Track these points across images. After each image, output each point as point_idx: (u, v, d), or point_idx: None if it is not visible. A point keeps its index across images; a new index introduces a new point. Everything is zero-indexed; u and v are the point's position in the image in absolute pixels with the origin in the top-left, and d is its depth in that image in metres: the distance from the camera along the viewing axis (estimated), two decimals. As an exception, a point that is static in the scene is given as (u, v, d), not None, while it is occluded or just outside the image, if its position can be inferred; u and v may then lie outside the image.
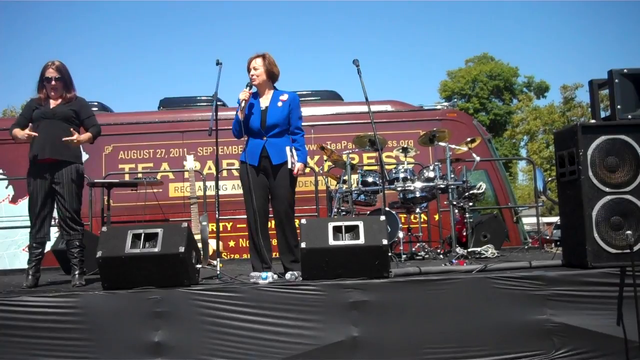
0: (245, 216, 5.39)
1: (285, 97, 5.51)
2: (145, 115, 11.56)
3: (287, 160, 5.34)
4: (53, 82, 5.39)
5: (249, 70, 5.51)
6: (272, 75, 5.53)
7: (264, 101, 5.50)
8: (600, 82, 5.07)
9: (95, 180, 8.20)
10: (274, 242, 5.62)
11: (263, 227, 5.39)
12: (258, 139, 5.41)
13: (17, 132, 5.33)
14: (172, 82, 68.70)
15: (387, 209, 7.07)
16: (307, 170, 5.51)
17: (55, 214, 5.48)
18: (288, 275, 5.03)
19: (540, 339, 4.39)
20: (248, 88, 5.44)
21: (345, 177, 7.56)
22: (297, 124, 5.57)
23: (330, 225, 4.72)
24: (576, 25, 64.70)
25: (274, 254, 5.59)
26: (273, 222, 5.51)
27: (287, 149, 5.37)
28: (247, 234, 5.45)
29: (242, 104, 5.36)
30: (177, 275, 4.57)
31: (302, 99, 11.40)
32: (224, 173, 10.67)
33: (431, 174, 7.41)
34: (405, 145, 7.95)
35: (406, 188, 7.34)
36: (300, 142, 5.53)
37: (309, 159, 10.31)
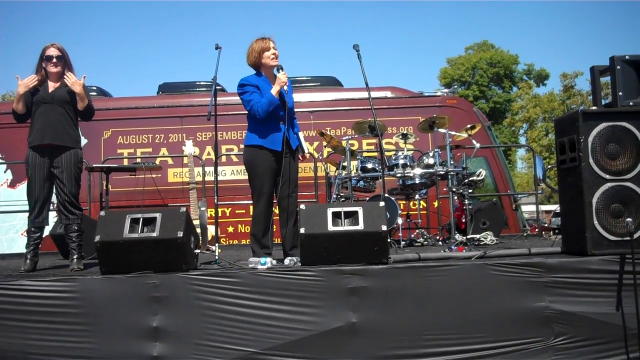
0: (245, 202, 5.37)
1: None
2: (144, 100, 11.55)
3: (300, 145, 5.34)
4: (54, 60, 5.34)
5: (264, 50, 5.37)
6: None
7: (276, 86, 5.35)
8: (602, 68, 5.04)
9: (94, 165, 8.18)
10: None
11: (271, 213, 5.38)
12: (279, 124, 5.33)
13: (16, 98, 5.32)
14: (171, 67, 68.58)
15: (386, 195, 7.06)
16: (307, 155, 5.50)
17: (54, 198, 5.47)
18: (287, 261, 5.02)
19: (539, 326, 4.38)
20: (282, 70, 5.33)
21: (345, 163, 7.55)
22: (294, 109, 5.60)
23: (330, 210, 4.70)
24: (576, 13, 64.56)
25: (275, 239, 5.59)
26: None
27: (301, 134, 5.39)
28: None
29: (285, 87, 5.28)
30: (176, 260, 4.56)
31: (302, 84, 11.47)
32: (223, 158, 10.66)
33: (431, 161, 7.40)
34: (405, 132, 7.94)
35: (405, 174, 7.32)
36: (298, 128, 5.57)
37: (308, 145, 10.31)
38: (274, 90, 5.24)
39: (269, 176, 5.29)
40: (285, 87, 5.36)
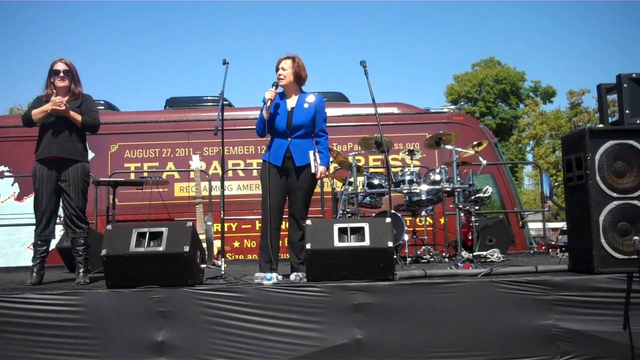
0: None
1: (311, 98, 5.51)
2: (152, 115, 11.59)
3: (309, 163, 5.34)
4: (62, 74, 5.38)
5: (277, 70, 5.49)
6: (299, 78, 5.52)
7: (290, 102, 5.49)
8: (609, 86, 5.05)
9: (101, 179, 8.20)
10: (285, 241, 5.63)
11: (277, 228, 5.39)
12: (282, 140, 5.41)
13: (41, 108, 5.30)
14: (179, 81, 68.88)
15: (392, 211, 7.05)
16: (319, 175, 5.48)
17: (60, 212, 5.48)
18: (292, 277, 5.02)
19: (545, 344, 4.36)
20: (274, 87, 5.41)
21: (351, 179, 7.55)
22: (322, 126, 5.56)
23: (336, 226, 4.70)
24: (583, 31, 64.63)
25: (282, 254, 5.58)
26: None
27: (311, 152, 5.38)
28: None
29: (268, 103, 5.33)
30: (181, 275, 4.56)
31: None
32: (230, 173, 10.67)
33: (437, 177, 7.39)
34: (412, 148, 7.95)
35: (412, 191, 7.32)
36: (324, 145, 5.54)
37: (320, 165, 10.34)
38: (264, 108, 5.36)
39: (271, 191, 5.33)
40: (290, 105, 5.46)
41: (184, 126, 11.13)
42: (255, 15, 71.77)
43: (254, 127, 5.61)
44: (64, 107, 5.23)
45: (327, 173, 5.65)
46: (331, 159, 7.96)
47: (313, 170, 5.35)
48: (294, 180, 5.39)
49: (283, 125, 5.38)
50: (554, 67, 66.86)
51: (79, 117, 5.35)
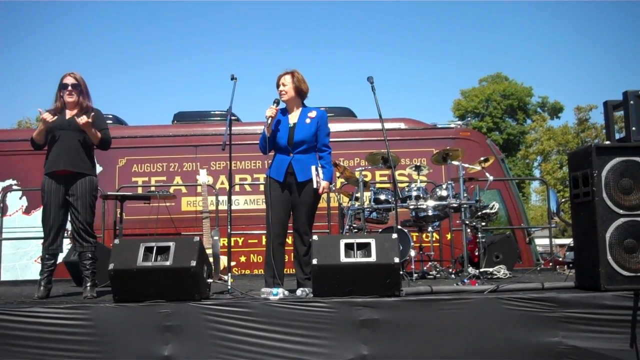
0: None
1: (313, 114, 5.53)
2: (159, 129, 11.63)
3: (311, 178, 5.36)
4: (70, 88, 5.44)
5: (278, 86, 5.54)
6: (300, 92, 5.56)
7: (292, 118, 5.53)
8: (615, 103, 5.05)
9: (109, 193, 8.23)
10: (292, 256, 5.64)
11: (281, 243, 5.41)
12: (284, 155, 5.45)
13: (37, 129, 5.42)
14: (186, 96, 69.09)
15: (399, 227, 7.05)
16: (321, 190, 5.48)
17: (68, 225, 5.51)
18: (299, 292, 5.02)
19: (551, 361, 4.34)
20: (275, 105, 5.45)
21: (358, 194, 7.55)
22: (325, 141, 5.58)
23: (342, 242, 4.71)
24: (591, 47, 64.63)
25: (287, 270, 5.59)
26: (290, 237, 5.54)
27: (313, 168, 5.40)
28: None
29: (269, 121, 5.38)
30: (188, 289, 4.57)
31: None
32: (237, 188, 10.69)
33: (444, 193, 7.39)
34: (418, 164, 7.96)
35: (419, 206, 7.31)
36: (326, 160, 5.56)
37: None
38: (266, 126, 5.41)
39: (275, 206, 5.37)
40: (292, 121, 5.52)
41: (192, 140, 11.16)
42: (263, 30, 72.14)
43: None
44: (50, 120, 5.32)
45: (330, 188, 5.65)
46: (338, 174, 7.98)
47: (315, 186, 5.37)
48: (297, 196, 5.41)
49: (284, 141, 5.42)
50: (561, 82, 66.91)
51: (98, 136, 5.42)
